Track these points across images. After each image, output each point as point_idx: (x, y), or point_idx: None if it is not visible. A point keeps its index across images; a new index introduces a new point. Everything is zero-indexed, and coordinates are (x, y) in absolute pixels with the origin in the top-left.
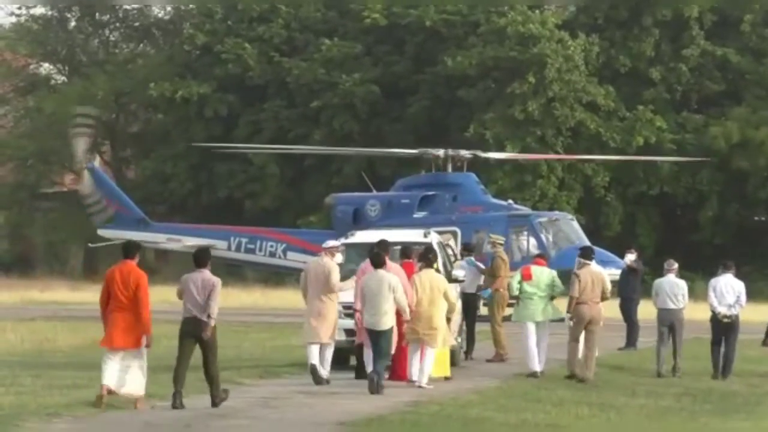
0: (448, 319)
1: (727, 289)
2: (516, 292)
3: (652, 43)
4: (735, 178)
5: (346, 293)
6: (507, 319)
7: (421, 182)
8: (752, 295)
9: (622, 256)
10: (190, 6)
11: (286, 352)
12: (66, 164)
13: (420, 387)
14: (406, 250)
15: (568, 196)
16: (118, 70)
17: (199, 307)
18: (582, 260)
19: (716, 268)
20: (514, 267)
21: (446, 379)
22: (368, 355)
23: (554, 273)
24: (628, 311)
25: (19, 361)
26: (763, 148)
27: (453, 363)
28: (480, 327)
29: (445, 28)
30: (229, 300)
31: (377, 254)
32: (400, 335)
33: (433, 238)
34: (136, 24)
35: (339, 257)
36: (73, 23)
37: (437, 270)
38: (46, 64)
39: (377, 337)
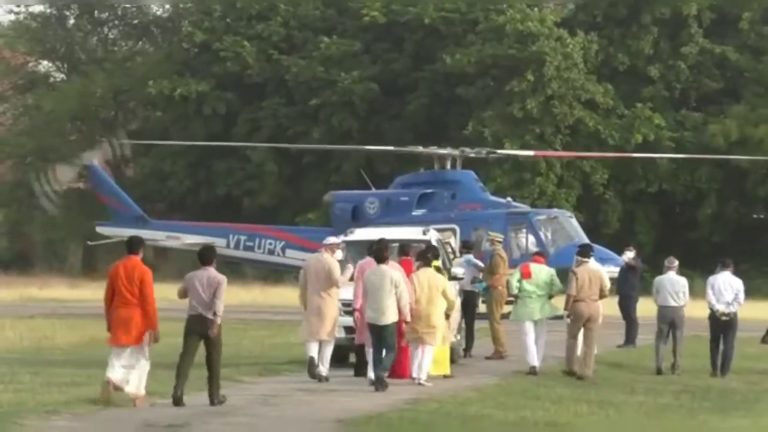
0: (448, 317)
1: (725, 286)
2: (515, 291)
3: (651, 40)
4: (734, 176)
5: (346, 290)
6: (505, 317)
7: (419, 180)
8: (750, 292)
9: (620, 254)
10: (189, 4)
11: (285, 350)
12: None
13: (420, 384)
14: (404, 248)
15: (567, 194)
16: (116, 67)
17: (204, 305)
18: (580, 258)
19: (715, 266)
20: (512, 264)
21: (446, 377)
22: (369, 353)
23: (553, 271)
24: (627, 308)
25: (17, 358)
26: (762, 145)
27: (452, 360)
28: (479, 324)
29: (444, 26)
30: (228, 297)
31: (380, 249)
32: (400, 334)
33: (433, 236)
34: (135, 22)
35: (339, 254)
36: (71, 21)
37: (438, 268)
38: (45, 62)
39: (381, 331)
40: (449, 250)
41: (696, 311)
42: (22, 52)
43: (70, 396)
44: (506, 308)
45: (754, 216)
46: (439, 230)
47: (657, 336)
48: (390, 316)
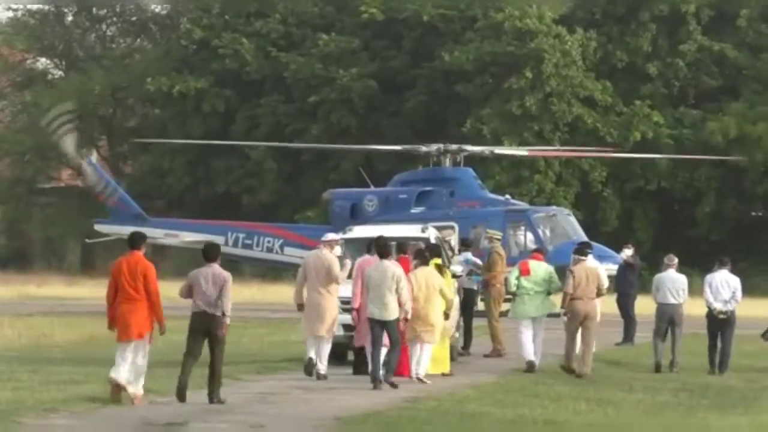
0: (447, 316)
1: (723, 284)
2: (514, 288)
3: (650, 38)
4: (732, 174)
5: (345, 288)
6: (504, 314)
7: (418, 177)
8: (748, 290)
9: (619, 252)
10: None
11: (283, 348)
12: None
13: (419, 380)
14: (401, 246)
15: (566, 192)
16: (115, 64)
17: (209, 302)
18: (577, 256)
19: (713, 264)
20: (511, 262)
21: (445, 375)
22: (369, 352)
23: (551, 268)
24: (626, 306)
25: (16, 356)
26: (760, 143)
27: (450, 358)
28: (477, 322)
29: (443, 23)
30: None
31: (383, 245)
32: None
33: (431, 234)
34: (133, 19)
35: (338, 250)
36: (70, 18)
37: (439, 266)
38: (43, 59)
39: (384, 326)
40: (449, 247)
41: (694, 309)
42: (21, 49)
43: (68, 394)
44: (504, 306)
45: (753, 214)
46: (438, 228)
47: (655, 333)
48: (392, 312)
